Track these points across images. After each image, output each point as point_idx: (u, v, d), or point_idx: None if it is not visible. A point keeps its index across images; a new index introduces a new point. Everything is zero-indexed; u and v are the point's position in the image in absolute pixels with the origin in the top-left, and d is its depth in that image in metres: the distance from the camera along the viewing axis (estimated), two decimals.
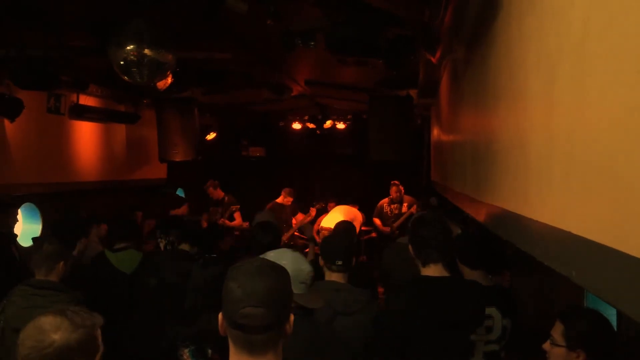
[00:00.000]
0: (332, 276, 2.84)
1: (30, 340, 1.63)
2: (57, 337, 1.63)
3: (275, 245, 3.71)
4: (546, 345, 2.08)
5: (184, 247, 4.12)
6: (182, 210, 7.47)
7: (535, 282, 3.70)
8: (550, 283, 3.39)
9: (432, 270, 2.52)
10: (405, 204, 8.29)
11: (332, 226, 7.61)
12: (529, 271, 3.71)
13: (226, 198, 8.28)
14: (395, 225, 8.23)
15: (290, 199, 8.17)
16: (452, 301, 2.46)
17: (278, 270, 1.47)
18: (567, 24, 1.21)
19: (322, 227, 7.68)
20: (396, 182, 8.39)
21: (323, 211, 8.26)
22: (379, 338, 2.59)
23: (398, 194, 8.36)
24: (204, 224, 7.69)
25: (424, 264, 2.55)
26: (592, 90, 1.05)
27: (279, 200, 8.21)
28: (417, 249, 2.59)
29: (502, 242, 2.31)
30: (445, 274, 2.54)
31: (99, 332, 1.74)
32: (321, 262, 2.90)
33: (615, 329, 2.21)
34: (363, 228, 8.51)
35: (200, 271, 3.74)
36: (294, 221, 7.98)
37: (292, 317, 1.46)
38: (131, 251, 4.26)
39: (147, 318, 3.83)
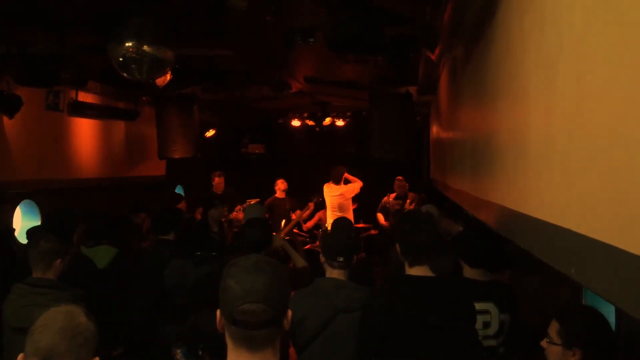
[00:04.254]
0: (333, 273, 2.83)
1: (60, 322, 1.69)
2: (82, 319, 1.72)
3: (266, 241, 3.67)
4: (543, 343, 2.09)
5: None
6: (180, 207, 7.45)
7: (534, 279, 3.70)
8: (549, 280, 3.40)
9: (417, 271, 2.51)
10: (408, 200, 8.30)
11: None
12: (528, 268, 3.71)
13: (230, 193, 8.23)
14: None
15: (285, 186, 8.17)
16: (436, 301, 2.43)
17: (275, 266, 1.47)
18: (567, 21, 1.21)
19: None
20: (399, 177, 8.40)
21: (321, 205, 8.29)
22: (362, 336, 2.57)
23: (401, 189, 8.37)
24: (198, 217, 7.71)
25: (411, 265, 2.54)
26: (592, 87, 1.05)
27: (278, 195, 8.19)
28: (404, 250, 2.57)
29: (504, 240, 2.31)
30: (430, 274, 2.52)
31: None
32: (322, 258, 2.89)
33: (614, 326, 2.22)
34: (362, 225, 8.52)
35: (193, 269, 3.72)
36: (293, 217, 7.98)
37: (289, 313, 1.46)
38: (105, 247, 4.24)
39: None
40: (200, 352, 2.84)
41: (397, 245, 2.61)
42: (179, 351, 2.93)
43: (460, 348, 2.43)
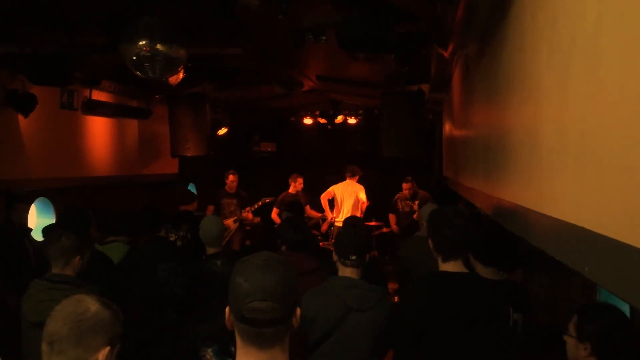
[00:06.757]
0: (345, 271, 2.83)
1: (68, 307, 1.73)
2: (93, 307, 1.74)
3: (306, 245, 3.63)
4: (565, 337, 2.14)
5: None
6: (192, 205, 7.47)
7: (547, 278, 3.68)
8: (562, 279, 3.37)
9: (452, 266, 2.53)
10: (417, 202, 8.19)
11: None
12: (541, 266, 3.69)
13: (242, 192, 8.20)
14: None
15: (300, 180, 8.12)
16: (472, 297, 2.46)
17: (284, 264, 1.46)
18: (580, 18, 1.20)
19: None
20: (408, 177, 8.34)
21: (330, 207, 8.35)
22: (396, 332, 2.60)
23: (408, 190, 8.30)
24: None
25: (445, 260, 2.56)
26: (606, 84, 1.04)
27: (291, 190, 8.14)
28: (437, 246, 2.59)
29: (516, 238, 2.30)
30: (464, 269, 2.54)
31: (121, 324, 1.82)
32: (335, 257, 2.90)
33: None
34: (374, 223, 8.51)
35: (217, 268, 3.73)
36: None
37: (298, 311, 1.46)
38: (118, 244, 4.24)
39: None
40: (232, 349, 2.83)
41: (430, 241, 2.63)
42: (209, 350, 2.88)
43: (495, 342, 2.46)
